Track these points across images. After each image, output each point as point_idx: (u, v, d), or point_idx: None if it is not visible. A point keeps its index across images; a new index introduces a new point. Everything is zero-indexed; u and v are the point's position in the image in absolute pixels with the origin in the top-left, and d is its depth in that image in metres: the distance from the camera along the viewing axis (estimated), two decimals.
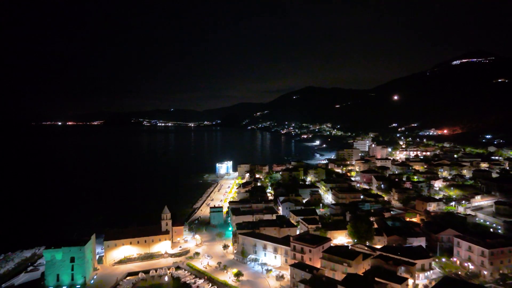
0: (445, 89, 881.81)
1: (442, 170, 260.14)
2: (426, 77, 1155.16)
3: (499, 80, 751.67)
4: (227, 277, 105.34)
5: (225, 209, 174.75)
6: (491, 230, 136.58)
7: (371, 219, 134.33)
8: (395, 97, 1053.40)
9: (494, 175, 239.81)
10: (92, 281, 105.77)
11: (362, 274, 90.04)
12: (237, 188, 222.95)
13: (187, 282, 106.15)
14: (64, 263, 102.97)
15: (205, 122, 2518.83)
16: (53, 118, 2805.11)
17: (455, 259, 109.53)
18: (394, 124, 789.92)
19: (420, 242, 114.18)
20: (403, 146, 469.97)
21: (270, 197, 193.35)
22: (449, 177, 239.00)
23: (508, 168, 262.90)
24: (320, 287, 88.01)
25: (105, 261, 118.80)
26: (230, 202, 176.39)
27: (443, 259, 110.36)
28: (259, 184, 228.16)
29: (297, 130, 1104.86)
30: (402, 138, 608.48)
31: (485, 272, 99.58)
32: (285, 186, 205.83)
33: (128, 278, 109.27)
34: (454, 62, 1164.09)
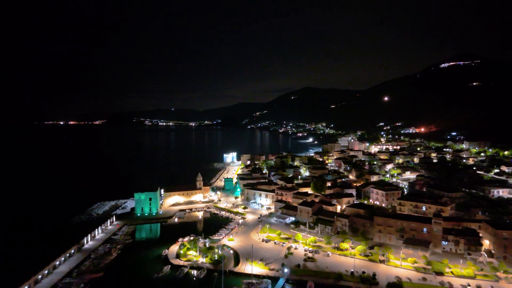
0: (430, 91, 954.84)
1: (398, 158, 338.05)
2: (416, 79, 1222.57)
3: (474, 84, 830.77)
4: (239, 209, 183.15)
5: (234, 181, 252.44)
6: (404, 188, 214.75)
7: (328, 182, 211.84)
8: (386, 98, 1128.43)
9: (435, 161, 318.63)
10: (160, 212, 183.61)
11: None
12: (241, 169, 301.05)
13: (215, 212, 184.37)
14: (145, 201, 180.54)
15: (206, 122, 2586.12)
16: (55, 118, 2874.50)
17: (371, 200, 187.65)
18: (381, 123, 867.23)
19: (352, 191, 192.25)
20: (383, 142, 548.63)
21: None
22: (401, 162, 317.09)
23: (448, 156, 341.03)
24: (289, 209, 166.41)
25: (164, 204, 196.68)
26: (238, 174, 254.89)
27: (365, 202, 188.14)
28: (257, 167, 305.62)
29: (294, 129, 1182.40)
30: (384, 135, 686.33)
31: (384, 205, 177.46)
32: (276, 168, 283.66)
33: (179, 211, 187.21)
34: (443, 65, 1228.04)
